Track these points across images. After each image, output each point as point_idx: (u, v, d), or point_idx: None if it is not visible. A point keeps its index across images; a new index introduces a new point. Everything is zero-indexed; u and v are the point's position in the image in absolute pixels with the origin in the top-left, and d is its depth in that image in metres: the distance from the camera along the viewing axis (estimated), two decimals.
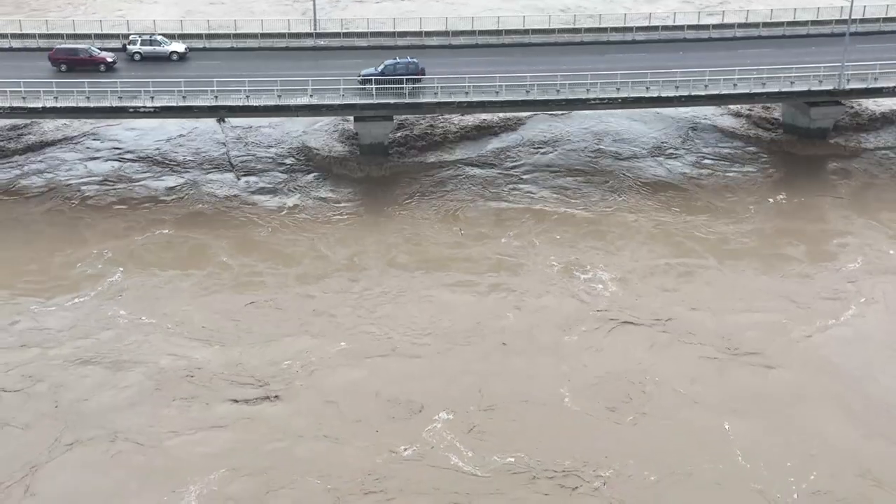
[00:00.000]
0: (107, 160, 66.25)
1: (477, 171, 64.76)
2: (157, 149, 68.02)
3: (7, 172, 63.87)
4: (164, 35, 71.07)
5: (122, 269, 52.27)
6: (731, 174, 64.90)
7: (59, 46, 67.83)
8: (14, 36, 73.15)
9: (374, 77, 62.85)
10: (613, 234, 56.77)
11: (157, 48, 69.06)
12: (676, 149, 68.95)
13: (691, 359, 45.31)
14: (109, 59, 67.02)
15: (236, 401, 41.93)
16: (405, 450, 39.01)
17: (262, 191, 61.87)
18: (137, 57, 68.69)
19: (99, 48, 68.56)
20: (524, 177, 64.05)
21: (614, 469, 38.15)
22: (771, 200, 61.53)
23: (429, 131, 70.27)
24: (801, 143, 68.63)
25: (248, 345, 45.63)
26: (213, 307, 48.90)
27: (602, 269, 52.74)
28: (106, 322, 47.63)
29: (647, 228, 57.44)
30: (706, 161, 66.97)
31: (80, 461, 38.57)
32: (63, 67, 66.31)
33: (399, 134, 69.00)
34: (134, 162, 66.00)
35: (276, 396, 42.20)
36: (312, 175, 64.10)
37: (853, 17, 68.21)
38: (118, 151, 67.62)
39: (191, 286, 50.95)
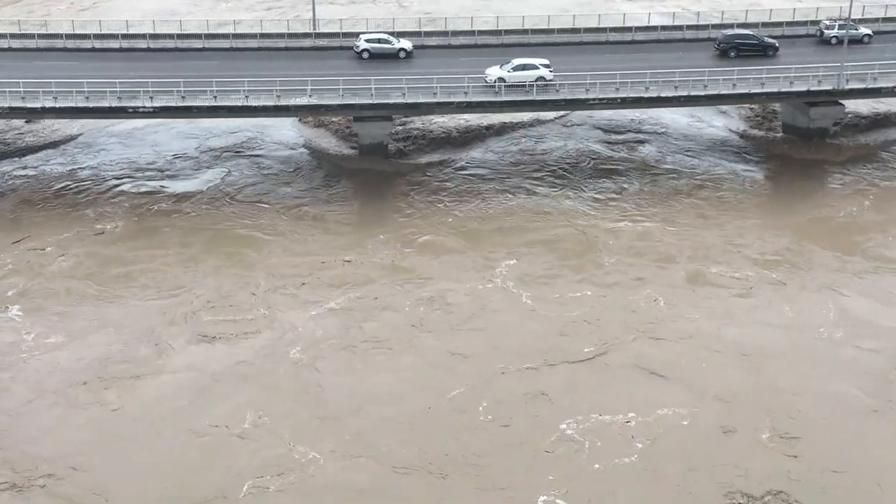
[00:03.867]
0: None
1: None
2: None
3: None
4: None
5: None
6: (727, 174, 65.13)
7: (727, 33, 72.15)
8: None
9: None
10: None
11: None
12: (677, 149, 69.21)
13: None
14: (777, 45, 70.87)
15: (347, 260, 53.01)
16: (486, 282, 50.75)
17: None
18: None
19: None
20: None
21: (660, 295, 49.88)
22: (766, 199, 61.88)
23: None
24: (801, 143, 68.65)
25: (340, 246, 55.01)
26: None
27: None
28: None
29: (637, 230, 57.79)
30: (704, 161, 67.21)
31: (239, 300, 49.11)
32: (732, 54, 70.29)
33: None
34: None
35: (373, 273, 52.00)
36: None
37: (853, 17, 68.23)
38: None
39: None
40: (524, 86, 62.62)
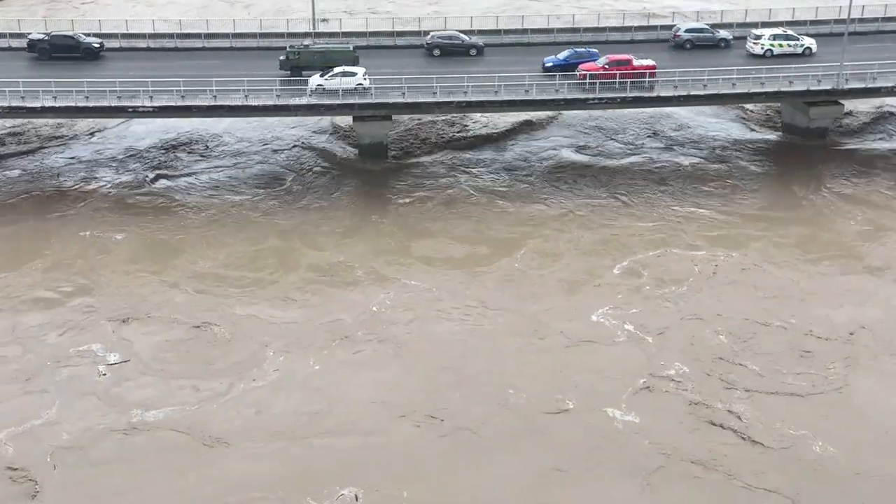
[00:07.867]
0: None
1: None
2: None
3: None
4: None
5: None
6: (726, 174, 65.32)
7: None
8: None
9: None
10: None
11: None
12: (678, 148, 69.43)
13: None
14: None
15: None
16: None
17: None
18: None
19: None
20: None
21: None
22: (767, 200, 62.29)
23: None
24: (800, 143, 68.68)
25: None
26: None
27: None
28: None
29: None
30: (703, 161, 67.33)
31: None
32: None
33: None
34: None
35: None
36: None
37: (852, 17, 68.24)
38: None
39: None
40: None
